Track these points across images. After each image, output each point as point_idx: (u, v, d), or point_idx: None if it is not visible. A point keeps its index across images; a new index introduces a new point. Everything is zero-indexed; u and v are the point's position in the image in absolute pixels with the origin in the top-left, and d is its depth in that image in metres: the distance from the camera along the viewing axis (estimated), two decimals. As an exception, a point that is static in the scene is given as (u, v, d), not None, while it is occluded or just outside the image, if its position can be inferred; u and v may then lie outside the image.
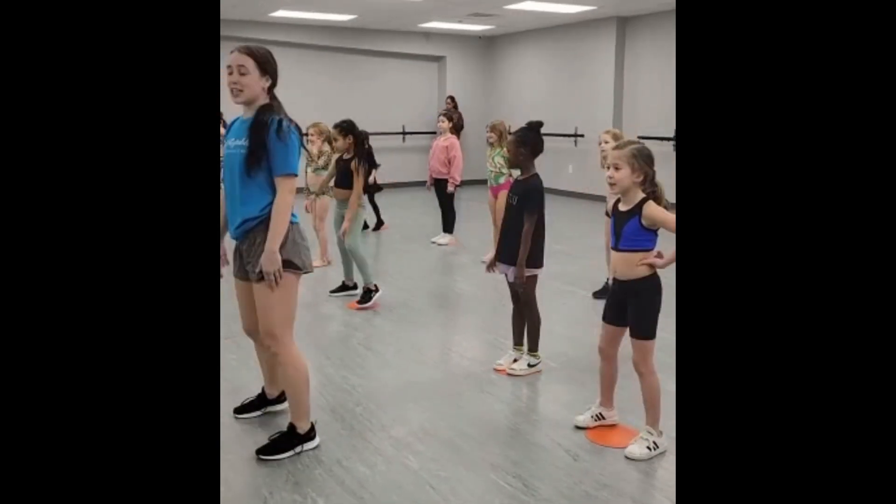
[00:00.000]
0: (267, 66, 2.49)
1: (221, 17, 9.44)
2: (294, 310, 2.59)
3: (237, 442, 2.80)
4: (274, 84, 2.53)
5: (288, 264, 2.47)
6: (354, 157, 4.68)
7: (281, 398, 3.04)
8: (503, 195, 6.03)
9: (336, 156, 5.71)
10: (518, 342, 3.64)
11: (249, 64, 2.44)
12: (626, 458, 2.67)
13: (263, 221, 2.45)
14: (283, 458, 2.62)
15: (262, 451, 2.64)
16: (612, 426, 2.94)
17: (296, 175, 2.45)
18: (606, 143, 4.74)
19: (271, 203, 2.44)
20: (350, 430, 2.92)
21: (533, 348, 3.56)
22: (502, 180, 6.02)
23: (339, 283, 5.10)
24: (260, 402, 3.05)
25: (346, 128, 4.74)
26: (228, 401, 3.14)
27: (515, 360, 3.59)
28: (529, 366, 3.53)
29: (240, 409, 3.02)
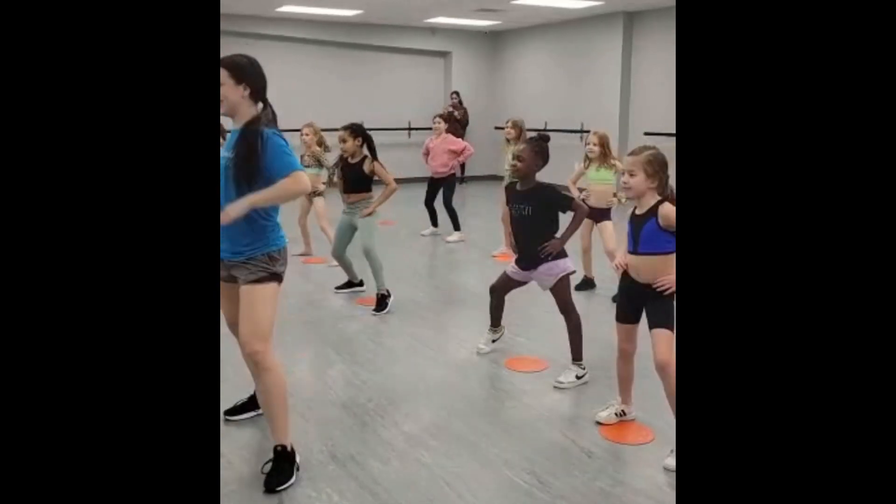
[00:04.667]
0: (241, 74, 2.33)
1: (227, 11, 9.42)
2: (275, 315, 2.46)
3: (252, 436, 2.79)
4: (256, 91, 2.38)
5: (276, 277, 2.42)
6: (364, 159, 4.53)
7: None
8: None
9: (317, 152, 5.66)
10: (496, 324, 3.79)
11: (222, 74, 2.29)
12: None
13: (257, 249, 2.39)
14: (293, 482, 2.42)
15: (270, 486, 2.39)
16: (628, 423, 2.93)
17: (301, 170, 2.33)
18: (596, 145, 4.81)
19: (264, 232, 2.39)
20: (362, 425, 2.91)
21: (577, 357, 3.40)
22: None
23: (345, 280, 5.06)
24: (252, 405, 2.97)
25: (358, 130, 4.56)
26: (238, 396, 3.13)
27: (493, 341, 3.77)
28: (577, 377, 3.37)
29: (231, 412, 2.95)
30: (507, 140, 6.06)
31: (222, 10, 9.09)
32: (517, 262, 3.49)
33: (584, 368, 3.40)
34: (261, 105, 2.41)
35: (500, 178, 11.51)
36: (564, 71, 10.93)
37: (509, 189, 3.55)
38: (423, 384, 3.39)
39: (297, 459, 2.50)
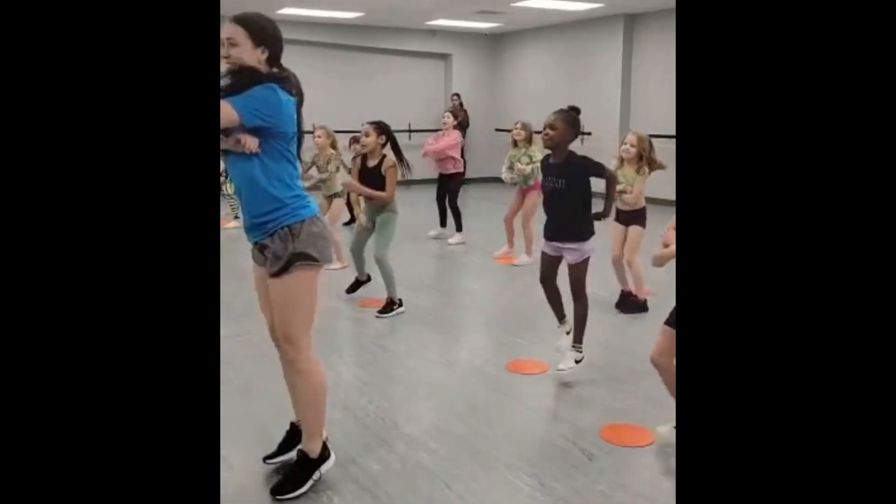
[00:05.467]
0: (263, 35, 2.14)
1: (227, 13, 9.41)
2: (313, 309, 2.31)
3: (253, 438, 2.79)
4: (274, 53, 2.18)
5: (302, 256, 2.19)
6: (383, 160, 4.42)
7: None
8: (533, 196, 5.90)
9: (331, 154, 5.67)
10: (562, 316, 3.60)
11: (239, 34, 2.10)
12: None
13: (275, 223, 2.19)
14: (302, 493, 2.35)
15: (277, 491, 2.35)
16: (629, 425, 2.92)
17: (237, 113, 2.03)
18: (633, 145, 4.42)
19: (281, 205, 2.18)
20: (364, 427, 2.91)
21: (578, 340, 3.41)
22: (532, 181, 5.91)
23: (352, 281, 4.98)
24: (293, 438, 2.55)
25: (384, 128, 4.45)
26: (239, 397, 3.14)
27: (568, 332, 3.56)
28: (576, 362, 3.38)
29: (271, 456, 2.56)
30: (516, 142, 5.98)
31: (222, 11, 9.09)
32: (546, 234, 3.46)
33: (581, 352, 3.42)
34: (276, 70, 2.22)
35: (501, 180, 11.52)
36: (565, 73, 10.94)
37: (543, 162, 3.50)
38: (423, 386, 3.38)
39: (323, 469, 2.42)
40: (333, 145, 5.73)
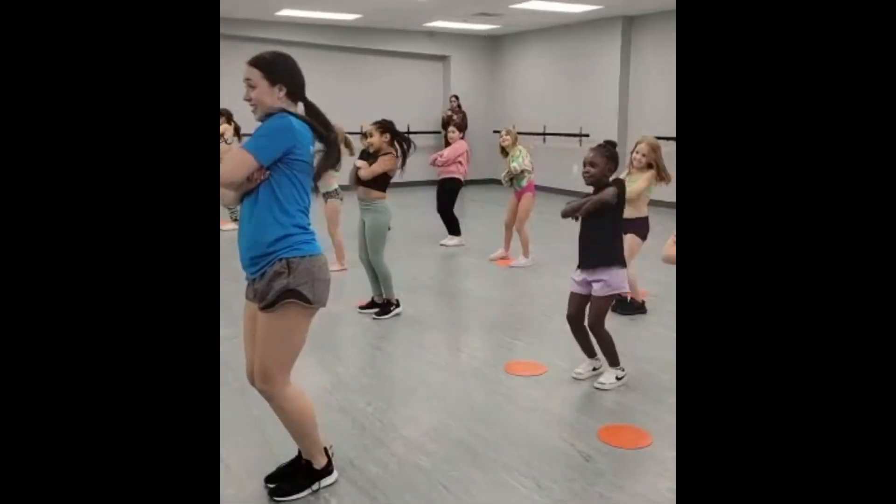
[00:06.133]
0: (276, 74, 2.15)
1: (226, 15, 9.44)
2: (298, 350, 2.25)
3: (252, 440, 2.79)
4: (293, 89, 2.19)
5: (294, 294, 2.12)
6: (388, 154, 4.42)
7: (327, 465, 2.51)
8: (527, 198, 5.97)
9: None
10: (592, 354, 3.52)
11: (255, 76, 2.14)
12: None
13: (273, 255, 2.13)
14: (299, 498, 2.36)
15: (275, 493, 2.36)
16: (627, 427, 2.92)
17: (253, 157, 2.05)
18: (644, 155, 4.35)
19: (283, 236, 2.13)
20: (361, 429, 2.90)
21: (614, 363, 3.40)
22: (525, 182, 5.98)
23: (369, 300, 4.74)
24: (298, 467, 2.46)
25: (386, 126, 4.49)
26: (237, 398, 3.13)
27: (595, 369, 3.50)
28: (617, 378, 3.36)
29: (274, 480, 2.44)
30: (503, 148, 6.05)
31: (222, 14, 9.12)
32: (579, 265, 3.38)
33: (623, 370, 3.39)
34: (301, 106, 2.23)
35: (500, 182, 11.54)
36: (564, 74, 10.95)
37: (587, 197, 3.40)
38: (422, 388, 3.38)
39: (324, 482, 2.41)
40: (347, 143, 5.79)
